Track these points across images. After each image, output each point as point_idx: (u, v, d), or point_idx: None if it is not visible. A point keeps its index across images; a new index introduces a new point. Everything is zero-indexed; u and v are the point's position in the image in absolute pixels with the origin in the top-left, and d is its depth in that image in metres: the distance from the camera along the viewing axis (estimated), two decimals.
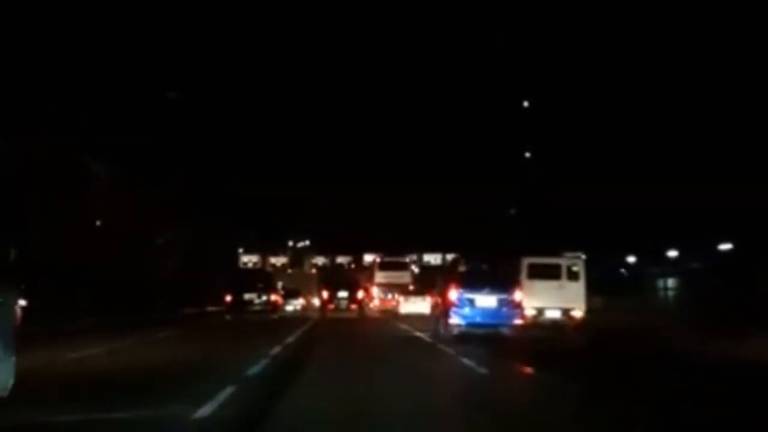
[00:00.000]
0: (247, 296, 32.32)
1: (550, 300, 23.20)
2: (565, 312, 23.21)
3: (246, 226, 65.59)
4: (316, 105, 62.98)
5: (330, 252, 78.06)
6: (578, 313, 23.29)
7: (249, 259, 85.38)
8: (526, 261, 23.54)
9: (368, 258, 70.89)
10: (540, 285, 23.18)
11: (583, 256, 29.63)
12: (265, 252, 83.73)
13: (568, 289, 23.24)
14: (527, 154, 45.45)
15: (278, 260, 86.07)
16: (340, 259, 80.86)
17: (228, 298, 32.74)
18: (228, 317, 29.65)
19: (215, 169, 48.64)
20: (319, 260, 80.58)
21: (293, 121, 63.58)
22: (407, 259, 43.26)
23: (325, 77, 65.52)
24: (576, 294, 23.28)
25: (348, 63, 63.59)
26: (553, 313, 23.28)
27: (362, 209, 62.75)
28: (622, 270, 40.62)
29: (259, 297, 32.56)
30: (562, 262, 23.81)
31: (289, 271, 59.52)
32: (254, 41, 56.95)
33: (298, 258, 76.99)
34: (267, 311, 31.79)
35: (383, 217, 64.06)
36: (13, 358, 5.98)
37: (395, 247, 68.84)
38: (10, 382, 5.83)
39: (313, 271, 58.17)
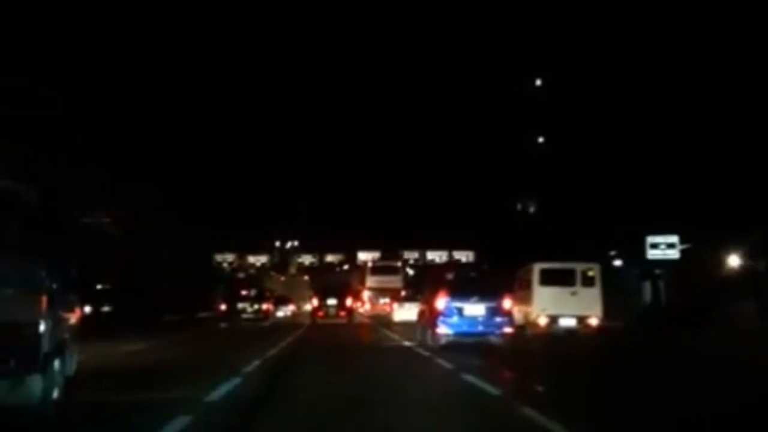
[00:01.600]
0: (240, 305, 40.25)
1: (564, 307, 25.75)
2: (581, 320, 25.70)
3: (222, 222, 67.19)
4: (316, 94, 65.89)
5: (320, 250, 79.86)
6: (594, 321, 25.63)
7: (224, 259, 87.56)
8: (538, 267, 25.57)
9: (362, 256, 72.94)
10: (553, 292, 25.51)
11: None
12: (243, 251, 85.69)
13: (584, 295, 25.64)
14: (540, 139, 47.62)
15: (258, 260, 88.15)
16: (331, 258, 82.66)
17: (222, 306, 41.22)
18: (223, 324, 35.74)
19: (187, 160, 50.70)
20: (307, 259, 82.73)
21: (284, 108, 66.19)
22: (399, 263, 48.67)
23: (329, 67, 68.36)
24: (592, 301, 25.66)
25: (350, 58, 66.47)
26: (567, 321, 25.67)
27: (357, 203, 65.24)
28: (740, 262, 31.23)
29: (251, 306, 40.38)
30: (577, 267, 26.33)
31: (282, 278, 64.17)
32: (254, 33, 59.84)
33: (283, 258, 79.22)
34: (259, 318, 39.18)
35: (380, 212, 66.14)
36: (77, 348, 9.37)
37: (394, 245, 70.82)
38: (74, 368, 9.20)
39: (306, 277, 62.87)
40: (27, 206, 7.46)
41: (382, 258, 59.47)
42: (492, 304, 19.16)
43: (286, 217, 71.22)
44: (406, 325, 29.82)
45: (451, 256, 75.28)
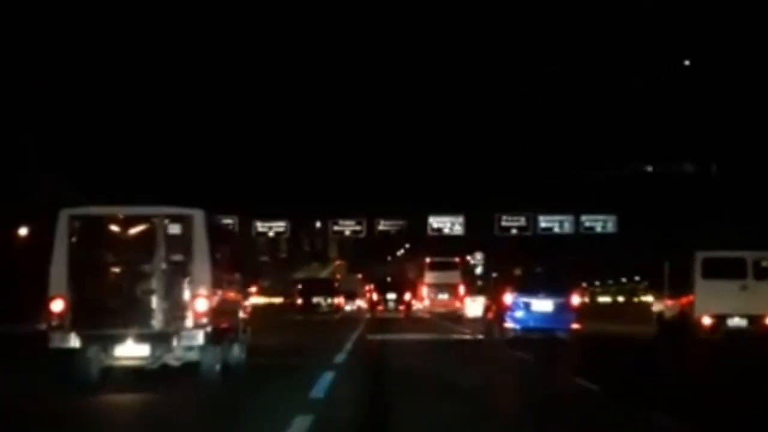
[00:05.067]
0: (315, 300, 66.60)
1: (732, 305, 32.36)
2: (753, 320, 32.26)
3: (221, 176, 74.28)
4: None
5: (368, 215, 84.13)
6: None
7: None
8: (701, 255, 32.46)
9: (435, 224, 77.84)
10: (719, 286, 32.16)
11: None
12: (249, 215, 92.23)
13: (757, 290, 32.24)
14: (686, 62, 52.47)
15: (272, 227, 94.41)
16: (384, 226, 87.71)
17: (299, 301, 68.65)
18: (299, 317, 60.86)
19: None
20: (347, 227, 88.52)
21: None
22: (457, 259, 74.64)
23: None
24: (767, 296, 32.27)
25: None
26: (736, 321, 32.34)
27: (432, 149, 72.64)
28: None
29: (325, 300, 66.88)
30: (747, 256, 32.82)
31: (338, 276, 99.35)
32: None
33: (324, 242, 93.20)
34: (332, 312, 65.62)
35: (465, 158, 72.64)
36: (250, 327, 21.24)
37: (486, 205, 75.66)
38: (249, 340, 20.57)
39: (359, 276, 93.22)
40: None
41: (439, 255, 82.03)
42: (560, 300, 30.18)
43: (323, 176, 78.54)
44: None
45: (578, 224, 75.36)
